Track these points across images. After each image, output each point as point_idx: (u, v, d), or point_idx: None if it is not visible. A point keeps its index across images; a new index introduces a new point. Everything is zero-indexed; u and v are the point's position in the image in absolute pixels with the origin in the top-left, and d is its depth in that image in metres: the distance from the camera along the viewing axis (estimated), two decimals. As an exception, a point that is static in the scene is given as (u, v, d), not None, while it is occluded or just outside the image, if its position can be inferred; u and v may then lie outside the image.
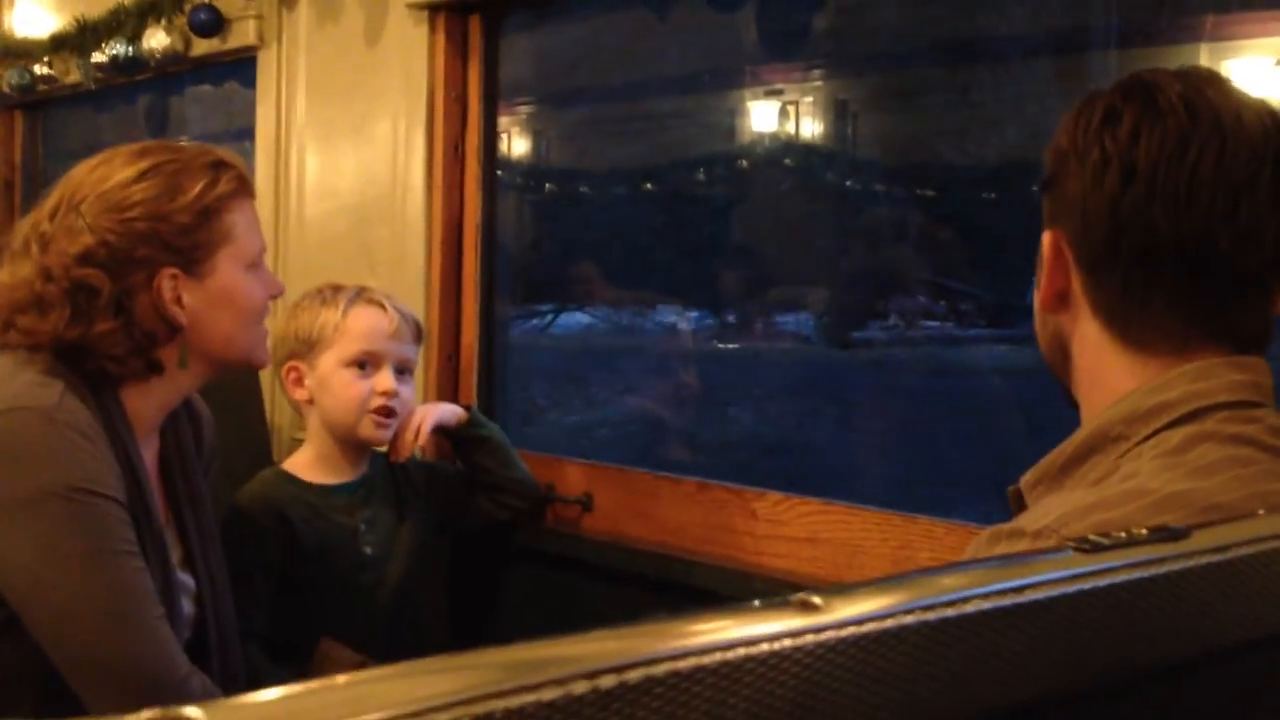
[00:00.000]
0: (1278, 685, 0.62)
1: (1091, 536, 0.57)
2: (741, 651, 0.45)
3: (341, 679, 0.39)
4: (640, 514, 2.15)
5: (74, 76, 3.33)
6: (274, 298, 1.69)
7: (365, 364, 2.03)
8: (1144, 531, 0.59)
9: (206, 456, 1.76)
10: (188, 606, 1.63)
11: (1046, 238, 1.06)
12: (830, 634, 0.47)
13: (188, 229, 1.54)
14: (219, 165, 1.59)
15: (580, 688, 0.41)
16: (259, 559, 1.96)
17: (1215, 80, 1.02)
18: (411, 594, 2.09)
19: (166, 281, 1.54)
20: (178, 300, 1.55)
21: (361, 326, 2.03)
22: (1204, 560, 0.59)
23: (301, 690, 0.37)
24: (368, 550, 2.06)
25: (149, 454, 1.62)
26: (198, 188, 1.55)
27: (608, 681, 0.42)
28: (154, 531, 1.54)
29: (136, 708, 0.36)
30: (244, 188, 1.62)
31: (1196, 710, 0.60)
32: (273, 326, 1.85)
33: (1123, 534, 0.58)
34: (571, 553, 2.21)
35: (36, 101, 3.81)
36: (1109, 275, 1.02)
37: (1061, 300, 1.06)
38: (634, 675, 0.42)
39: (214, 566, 1.69)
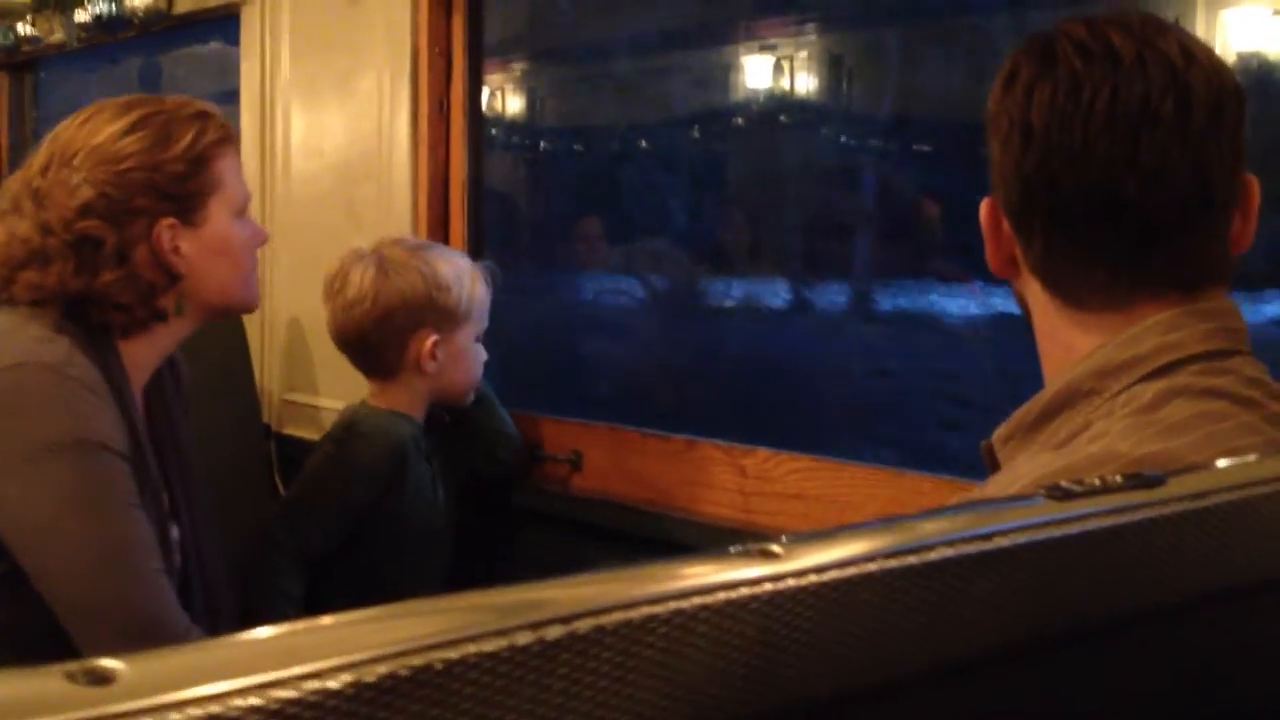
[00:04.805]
0: (1252, 635, 0.61)
1: (1064, 484, 0.55)
2: (697, 600, 0.43)
3: (271, 630, 0.37)
4: (629, 472, 2.14)
5: (58, 36, 3.29)
6: (259, 245, 1.72)
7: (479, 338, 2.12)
8: (1119, 479, 0.57)
9: (185, 402, 1.77)
10: (176, 558, 1.63)
11: (984, 205, 1.06)
12: (790, 582, 0.46)
13: (182, 177, 1.58)
14: (204, 115, 1.62)
15: (524, 638, 0.39)
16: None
17: (1126, 21, 0.98)
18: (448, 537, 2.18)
19: (165, 231, 1.57)
20: (175, 249, 1.58)
21: (486, 302, 2.11)
22: (1180, 508, 0.57)
23: (220, 643, 0.36)
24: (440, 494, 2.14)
25: (139, 405, 1.63)
26: (188, 137, 1.58)
27: (554, 632, 0.40)
28: (151, 484, 1.56)
29: None
30: (229, 136, 1.66)
31: (1170, 658, 0.59)
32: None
33: (1096, 481, 0.56)
34: (561, 511, 2.20)
35: (23, 62, 3.78)
36: (1032, 237, 1.02)
37: (1011, 264, 1.06)
38: (583, 625, 0.41)
39: (198, 516, 1.69)
